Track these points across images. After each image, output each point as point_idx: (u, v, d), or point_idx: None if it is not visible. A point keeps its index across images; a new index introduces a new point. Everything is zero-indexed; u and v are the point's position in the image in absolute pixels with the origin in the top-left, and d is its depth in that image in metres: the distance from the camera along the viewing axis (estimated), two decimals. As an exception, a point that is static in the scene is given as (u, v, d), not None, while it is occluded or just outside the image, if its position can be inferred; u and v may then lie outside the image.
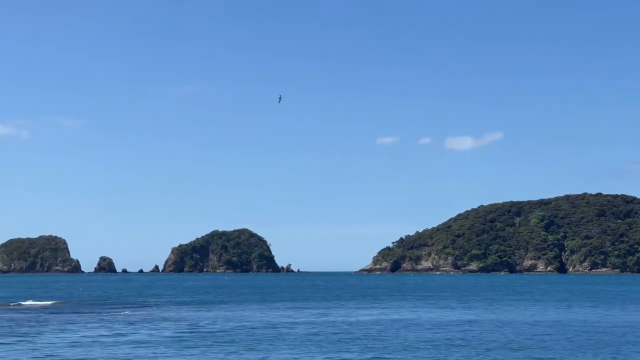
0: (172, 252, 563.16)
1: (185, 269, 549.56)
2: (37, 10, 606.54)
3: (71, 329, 68.64)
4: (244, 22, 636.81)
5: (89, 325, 72.65)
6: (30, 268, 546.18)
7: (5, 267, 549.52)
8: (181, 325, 71.96)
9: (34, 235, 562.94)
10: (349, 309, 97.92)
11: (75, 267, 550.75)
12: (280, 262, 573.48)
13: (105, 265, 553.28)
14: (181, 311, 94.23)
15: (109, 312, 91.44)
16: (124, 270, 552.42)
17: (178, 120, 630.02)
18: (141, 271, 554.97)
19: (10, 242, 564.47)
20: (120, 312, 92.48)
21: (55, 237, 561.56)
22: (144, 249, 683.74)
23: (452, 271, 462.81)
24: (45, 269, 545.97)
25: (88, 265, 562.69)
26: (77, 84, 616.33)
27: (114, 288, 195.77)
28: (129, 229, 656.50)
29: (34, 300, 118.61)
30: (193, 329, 68.61)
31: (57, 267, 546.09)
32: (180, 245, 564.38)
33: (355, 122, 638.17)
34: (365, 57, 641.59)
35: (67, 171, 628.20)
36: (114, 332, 65.38)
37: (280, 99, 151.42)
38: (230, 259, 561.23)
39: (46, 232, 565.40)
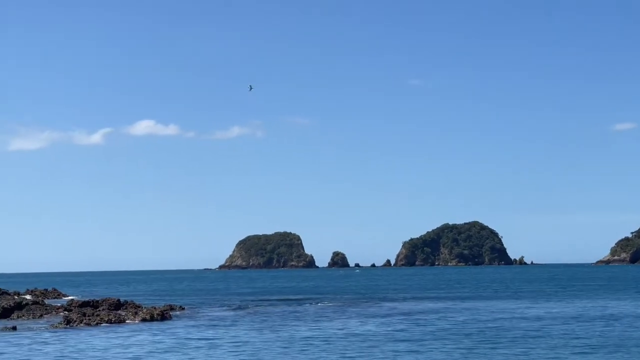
0: (403, 246, 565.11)
1: (416, 263, 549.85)
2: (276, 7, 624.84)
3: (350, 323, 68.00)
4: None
5: (356, 318, 71.85)
6: (267, 264, 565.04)
7: (244, 263, 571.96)
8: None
9: (269, 231, 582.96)
10: None
11: (310, 262, 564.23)
12: (512, 254, 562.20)
13: (339, 260, 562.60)
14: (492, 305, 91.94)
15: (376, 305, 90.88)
16: (357, 265, 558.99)
17: (408, 112, 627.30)
18: (373, 265, 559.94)
19: (248, 239, 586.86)
20: (383, 304, 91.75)
21: (290, 233, 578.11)
22: (376, 243, 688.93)
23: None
24: (281, 264, 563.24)
25: (322, 260, 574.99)
26: (309, 81, 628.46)
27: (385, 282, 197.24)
28: (361, 223, 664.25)
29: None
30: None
31: (293, 263, 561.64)
32: (411, 239, 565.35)
33: (589, 108, 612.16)
34: (598, 38, 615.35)
35: (300, 169, 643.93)
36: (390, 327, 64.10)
37: (250, 88, 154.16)
38: (462, 252, 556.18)
39: (281, 229, 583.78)
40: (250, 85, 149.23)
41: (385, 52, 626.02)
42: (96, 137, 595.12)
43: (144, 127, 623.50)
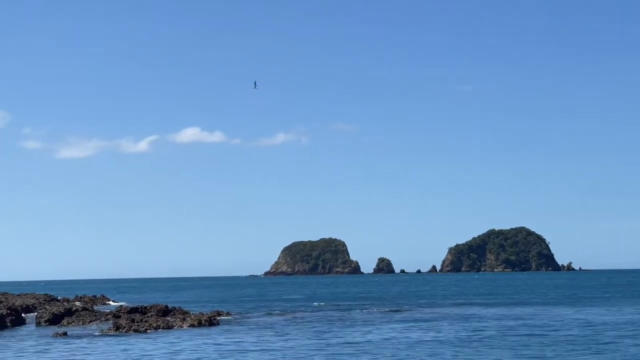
0: (449, 252, 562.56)
1: (462, 269, 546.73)
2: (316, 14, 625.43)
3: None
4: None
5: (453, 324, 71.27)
6: (313, 270, 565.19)
7: (289, 270, 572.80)
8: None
9: (314, 238, 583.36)
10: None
11: (355, 269, 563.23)
12: (560, 260, 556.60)
13: (384, 266, 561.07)
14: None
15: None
16: (402, 271, 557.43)
17: (453, 117, 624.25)
18: (419, 271, 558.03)
19: (294, 245, 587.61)
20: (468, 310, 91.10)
21: (335, 239, 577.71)
22: (421, 249, 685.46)
23: None
24: (327, 270, 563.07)
25: (367, 266, 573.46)
26: (353, 88, 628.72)
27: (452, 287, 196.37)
28: (406, 229, 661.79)
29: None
30: None
31: (338, 269, 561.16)
32: (457, 245, 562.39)
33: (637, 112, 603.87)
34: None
35: (344, 175, 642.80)
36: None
37: (255, 85, 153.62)
38: (508, 257, 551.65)
39: (326, 235, 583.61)
40: (254, 83, 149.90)
41: (428, 58, 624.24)
42: (142, 145, 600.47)
43: (189, 134, 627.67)
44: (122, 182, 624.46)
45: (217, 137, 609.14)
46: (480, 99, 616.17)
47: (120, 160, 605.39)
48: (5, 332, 69.03)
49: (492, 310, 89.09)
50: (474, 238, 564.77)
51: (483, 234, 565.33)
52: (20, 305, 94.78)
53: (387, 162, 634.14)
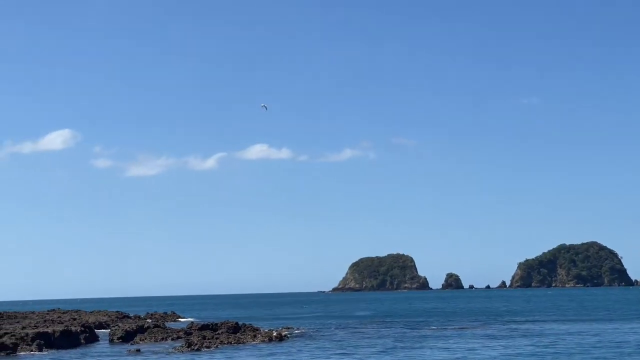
0: (518, 267, 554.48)
1: (532, 284, 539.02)
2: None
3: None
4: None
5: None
6: (381, 286, 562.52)
7: (357, 286, 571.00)
8: None
9: (382, 253, 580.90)
10: None
11: (423, 284, 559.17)
12: (633, 275, 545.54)
13: (452, 282, 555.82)
14: None
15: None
16: (471, 287, 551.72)
17: (522, 129, 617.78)
18: (488, 287, 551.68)
19: (361, 261, 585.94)
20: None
21: (403, 255, 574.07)
22: (489, 264, 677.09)
23: None
24: (395, 286, 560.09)
25: (435, 282, 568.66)
26: (419, 101, 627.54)
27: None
28: (474, 244, 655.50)
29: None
30: None
31: (406, 285, 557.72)
32: (527, 260, 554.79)
33: None
34: None
35: (412, 189, 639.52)
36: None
37: (265, 107, 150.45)
38: (580, 273, 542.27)
39: (394, 251, 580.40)
40: (264, 106, 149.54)
41: (499, 68, 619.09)
42: (210, 162, 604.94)
43: (257, 151, 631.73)
44: (191, 199, 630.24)
45: (284, 153, 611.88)
46: (546, 112, 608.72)
47: (188, 177, 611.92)
48: (80, 349, 69.56)
49: (572, 327, 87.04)
50: (544, 253, 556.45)
51: (553, 249, 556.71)
52: (93, 323, 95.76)
53: (455, 177, 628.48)
